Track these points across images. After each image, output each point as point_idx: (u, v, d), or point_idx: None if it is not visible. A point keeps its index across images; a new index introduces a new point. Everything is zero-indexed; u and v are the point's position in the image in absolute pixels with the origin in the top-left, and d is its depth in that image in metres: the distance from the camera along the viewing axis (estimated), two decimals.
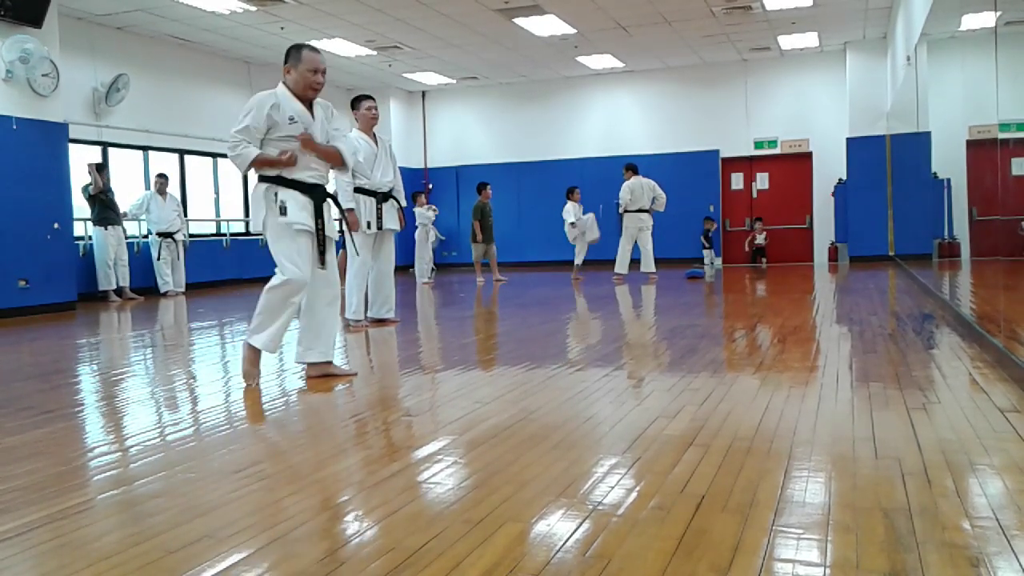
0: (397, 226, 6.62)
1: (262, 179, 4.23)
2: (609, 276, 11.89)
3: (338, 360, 5.07)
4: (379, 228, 6.44)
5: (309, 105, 4.27)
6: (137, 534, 2.12)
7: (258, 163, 4.16)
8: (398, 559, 1.88)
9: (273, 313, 4.16)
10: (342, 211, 5.32)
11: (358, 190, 6.35)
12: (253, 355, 4.24)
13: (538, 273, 13.18)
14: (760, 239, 14.91)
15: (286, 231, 4.17)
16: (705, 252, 14.88)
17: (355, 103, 6.48)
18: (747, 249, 15.08)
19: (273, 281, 4.17)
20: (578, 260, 12.40)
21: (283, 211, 4.16)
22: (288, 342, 4.95)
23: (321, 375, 4.38)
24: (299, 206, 4.20)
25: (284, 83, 4.24)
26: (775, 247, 14.94)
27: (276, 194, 4.18)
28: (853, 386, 3.77)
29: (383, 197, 6.47)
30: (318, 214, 4.26)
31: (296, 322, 4.44)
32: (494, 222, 12.40)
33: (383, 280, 6.63)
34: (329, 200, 4.40)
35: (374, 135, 6.49)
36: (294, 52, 4.25)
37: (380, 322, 6.66)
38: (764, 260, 14.82)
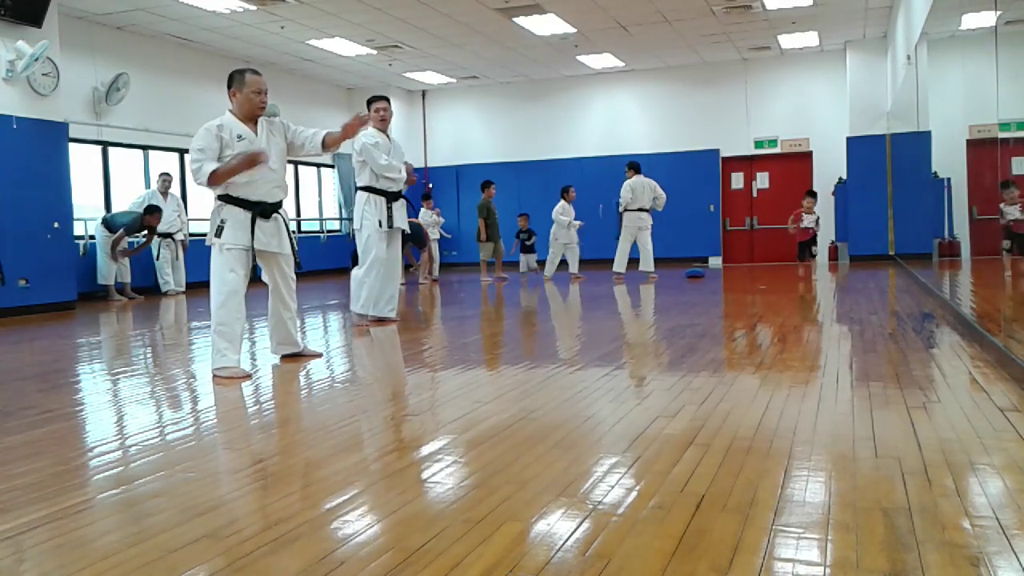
0: (406, 225, 6.66)
1: (217, 197, 4.62)
2: (607, 275, 11.89)
3: (339, 361, 5.07)
4: (390, 227, 6.49)
5: (255, 123, 4.66)
6: (137, 534, 2.12)
7: (219, 175, 4.49)
8: (398, 559, 1.88)
9: (229, 334, 4.52)
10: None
11: (370, 189, 6.44)
12: (233, 371, 4.50)
13: (538, 272, 13.17)
14: (808, 221, 11.13)
15: (219, 250, 4.57)
16: (523, 257, 13.52)
17: (368, 104, 6.58)
18: (792, 232, 12.19)
19: (215, 301, 4.55)
20: (574, 267, 12.37)
21: (219, 232, 4.56)
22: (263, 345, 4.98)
23: (292, 355, 5.02)
24: (237, 225, 4.57)
25: (229, 109, 4.64)
26: (773, 247, 14.88)
27: (219, 211, 4.58)
28: (853, 386, 3.77)
29: (394, 196, 6.52)
30: (259, 230, 4.63)
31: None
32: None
33: (389, 280, 6.65)
34: (278, 216, 4.75)
35: (387, 135, 6.57)
36: (237, 76, 4.65)
37: (381, 321, 6.67)
38: (814, 251, 11.73)
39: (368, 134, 6.37)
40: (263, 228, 4.64)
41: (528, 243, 13.66)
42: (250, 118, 4.63)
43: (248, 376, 4.48)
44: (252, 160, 4.47)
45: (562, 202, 12.26)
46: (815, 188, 14.00)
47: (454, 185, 16.50)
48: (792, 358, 4.57)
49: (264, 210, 4.64)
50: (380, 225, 6.43)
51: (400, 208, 6.58)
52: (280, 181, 4.77)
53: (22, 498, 2.44)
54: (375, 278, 6.54)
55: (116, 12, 10.38)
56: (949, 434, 2.84)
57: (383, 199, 6.46)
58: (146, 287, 10.89)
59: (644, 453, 2.71)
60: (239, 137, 4.54)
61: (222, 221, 4.56)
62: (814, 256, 11.53)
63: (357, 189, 6.56)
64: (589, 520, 2.10)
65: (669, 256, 14.31)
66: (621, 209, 11.57)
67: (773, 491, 2.28)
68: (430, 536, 2.02)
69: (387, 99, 6.67)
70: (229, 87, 4.64)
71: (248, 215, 4.59)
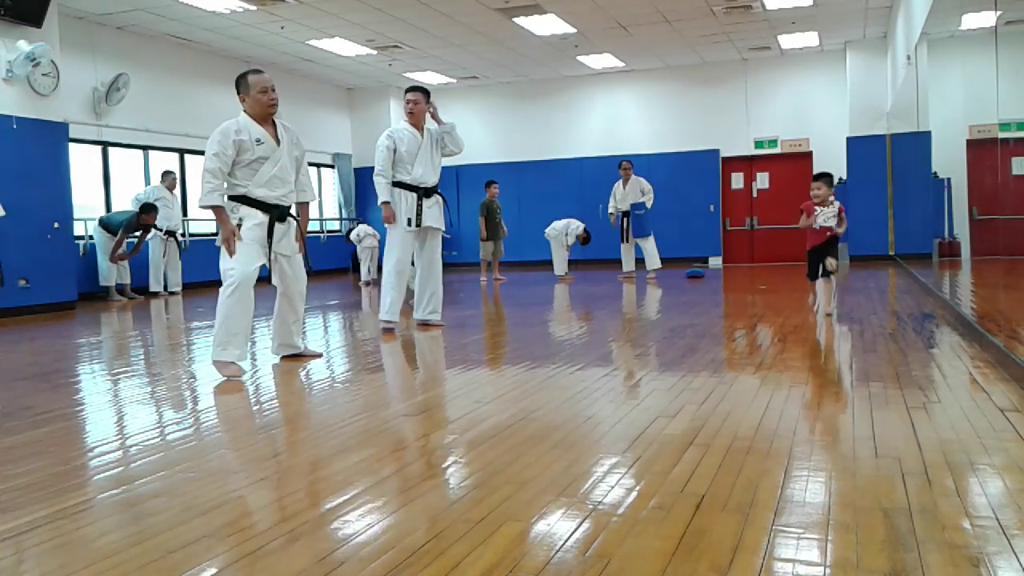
0: (441, 224, 6.28)
1: (229, 197, 4.63)
2: (612, 275, 11.89)
3: (339, 361, 5.08)
4: (418, 225, 6.13)
5: (273, 125, 4.68)
6: (137, 534, 2.12)
7: (216, 211, 4.52)
8: (398, 559, 1.88)
9: (233, 326, 4.49)
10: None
11: (398, 184, 6.11)
12: (231, 364, 4.51)
13: (539, 273, 13.18)
14: (826, 216, 6.66)
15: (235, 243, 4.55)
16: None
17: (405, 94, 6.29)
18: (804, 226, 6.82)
19: (225, 291, 4.52)
20: (564, 267, 12.41)
21: (237, 226, 4.55)
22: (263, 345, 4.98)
23: (292, 355, 5.02)
24: (255, 223, 4.58)
25: (244, 111, 4.64)
26: (773, 247, 14.88)
27: (235, 210, 4.59)
28: (853, 386, 3.77)
29: (425, 193, 6.15)
30: (271, 232, 4.64)
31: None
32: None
33: (427, 281, 6.34)
34: (290, 219, 4.78)
35: (421, 128, 6.20)
36: (242, 80, 4.69)
37: (425, 325, 6.40)
38: (830, 265, 6.51)
39: (389, 131, 6.15)
40: (278, 231, 4.67)
41: None
42: (263, 118, 4.63)
43: (242, 372, 4.48)
44: (229, 243, 4.49)
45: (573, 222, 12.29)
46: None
47: (454, 185, 16.49)
48: (792, 358, 4.57)
49: (281, 213, 4.68)
50: (409, 224, 6.08)
51: (432, 205, 6.18)
52: (293, 186, 4.78)
53: (22, 498, 2.44)
54: (404, 280, 6.23)
55: (116, 12, 10.38)
56: (949, 434, 2.84)
57: (413, 195, 6.08)
58: (146, 287, 10.89)
59: (644, 453, 2.71)
60: (258, 141, 4.55)
61: (240, 219, 4.57)
62: (830, 273, 6.55)
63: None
64: (589, 520, 2.10)
65: (669, 256, 14.28)
66: (650, 204, 11.58)
67: (773, 491, 2.28)
68: (430, 536, 2.02)
69: (421, 90, 6.19)
70: (238, 92, 4.66)
71: (266, 218, 4.61)
